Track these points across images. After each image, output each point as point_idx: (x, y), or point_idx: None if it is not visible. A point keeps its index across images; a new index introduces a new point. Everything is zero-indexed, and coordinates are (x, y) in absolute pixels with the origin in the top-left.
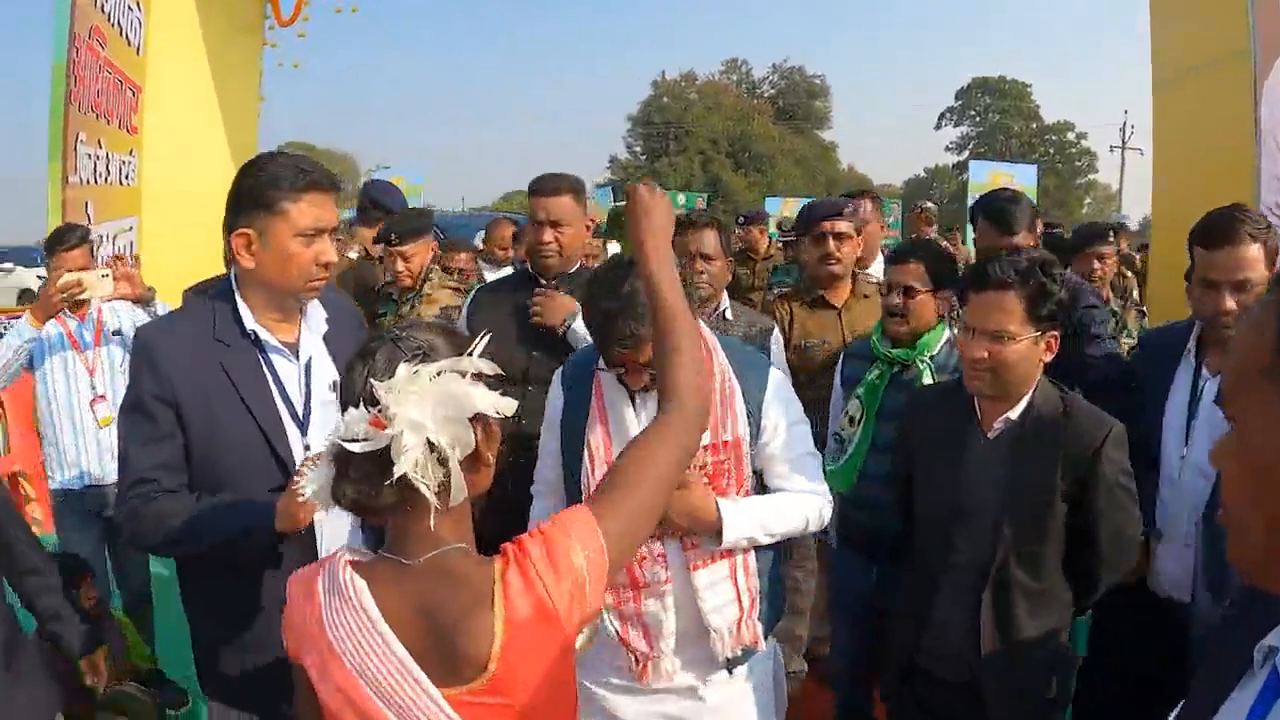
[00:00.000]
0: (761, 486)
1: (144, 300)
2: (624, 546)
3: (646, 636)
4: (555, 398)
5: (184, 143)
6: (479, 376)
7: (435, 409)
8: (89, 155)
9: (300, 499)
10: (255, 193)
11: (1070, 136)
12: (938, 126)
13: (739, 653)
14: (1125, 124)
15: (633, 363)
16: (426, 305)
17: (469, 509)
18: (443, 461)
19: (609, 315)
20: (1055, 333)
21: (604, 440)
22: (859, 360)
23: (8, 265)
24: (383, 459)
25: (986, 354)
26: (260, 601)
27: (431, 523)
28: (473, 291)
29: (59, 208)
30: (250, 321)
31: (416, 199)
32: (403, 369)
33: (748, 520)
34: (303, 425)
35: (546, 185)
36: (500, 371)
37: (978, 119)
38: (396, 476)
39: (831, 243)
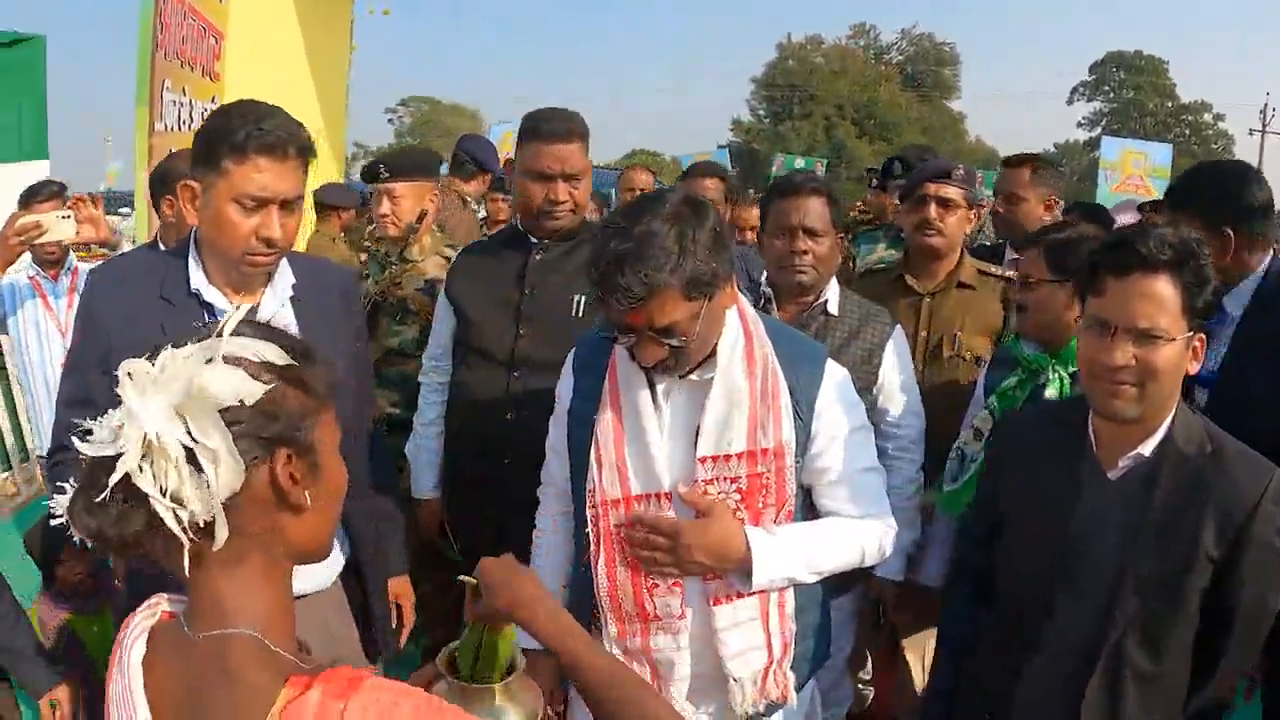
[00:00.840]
0: (809, 506)
1: (110, 245)
2: None
3: (654, 679)
4: (564, 386)
5: (267, 92)
6: (238, 361)
7: (166, 398)
8: (174, 102)
9: (54, 521)
10: (204, 141)
11: (1207, 118)
12: (1069, 101)
13: (761, 708)
14: (1266, 107)
15: (640, 325)
16: (409, 275)
17: (283, 577)
18: (194, 468)
19: (610, 262)
20: (1202, 335)
21: (614, 428)
22: (1005, 366)
23: (125, 210)
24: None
25: (1134, 359)
26: None
27: (186, 567)
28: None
29: (145, 155)
30: (196, 281)
31: None
32: (161, 357)
33: (787, 556)
34: None
35: (556, 128)
36: (263, 356)
37: (1111, 95)
38: (115, 481)
39: (933, 209)
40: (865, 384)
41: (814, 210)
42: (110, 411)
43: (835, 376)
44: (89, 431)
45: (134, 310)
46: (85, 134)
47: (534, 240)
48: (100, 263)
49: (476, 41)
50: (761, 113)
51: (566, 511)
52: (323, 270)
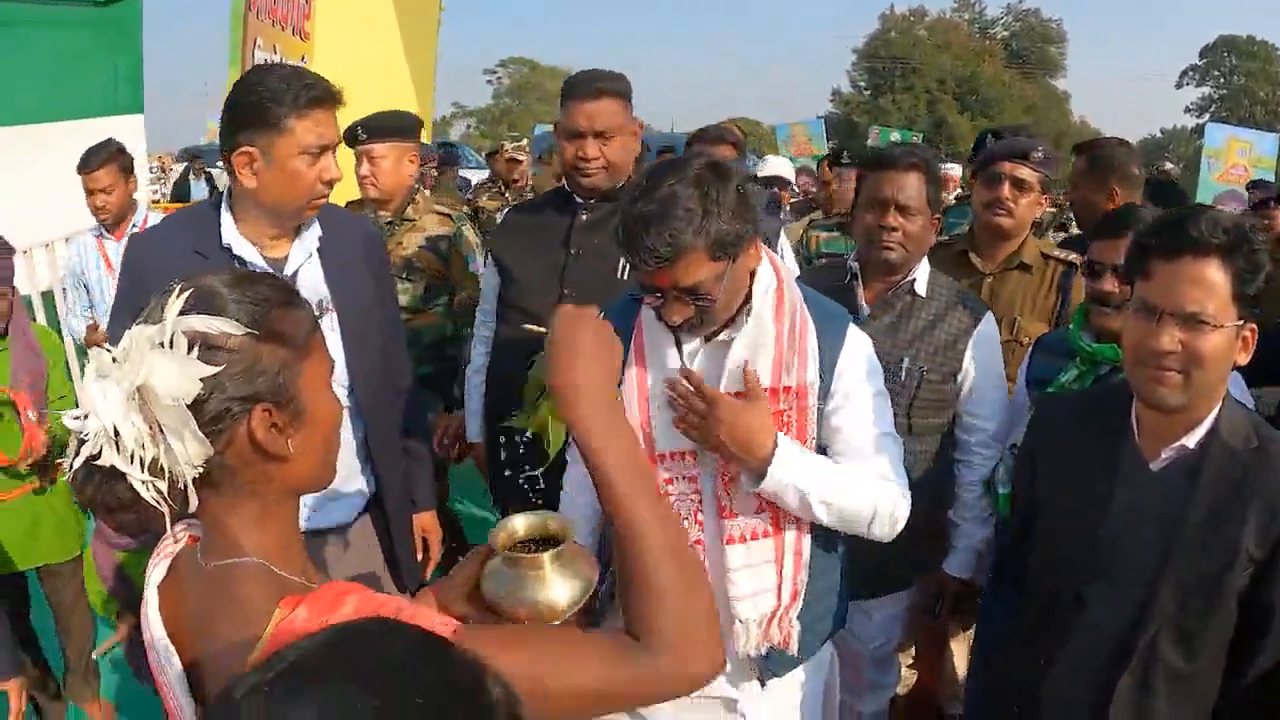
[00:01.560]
0: None
1: None
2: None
3: None
4: None
5: (356, 51)
6: (196, 337)
7: (121, 389)
8: (265, 61)
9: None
10: (257, 109)
11: None
12: (1178, 85)
13: (764, 651)
14: None
15: (666, 286)
16: (411, 233)
17: (284, 513)
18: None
19: (635, 223)
20: (1253, 325)
21: (639, 388)
22: (1052, 356)
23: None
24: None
25: (1180, 345)
26: None
27: (165, 515)
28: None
29: None
30: (228, 235)
31: None
32: (125, 338)
33: (805, 469)
34: None
35: (586, 87)
36: (219, 329)
37: (1221, 80)
38: (84, 460)
39: (1006, 188)
40: (948, 371)
41: (910, 186)
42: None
43: (857, 340)
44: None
45: (169, 264)
46: (189, 88)
47: (579, 201)
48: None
49: (577, 5)
50: (862, 84)
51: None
52: (345, 221)
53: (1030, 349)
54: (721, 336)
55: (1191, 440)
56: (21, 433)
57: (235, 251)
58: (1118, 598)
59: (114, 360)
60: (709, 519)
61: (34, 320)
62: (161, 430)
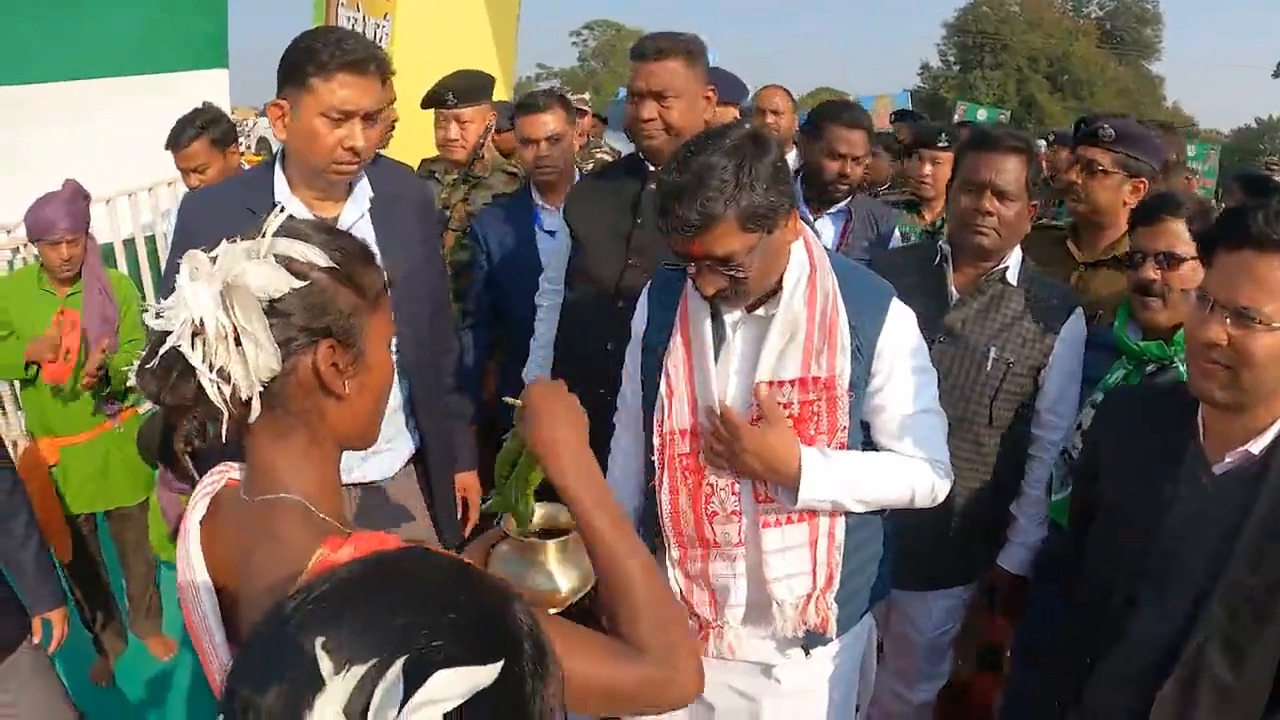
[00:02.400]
0: (869, 444)
1: None
2: None
3: (712, 603)
4: (639, 317)
5: (437, 10)
6: (287, 260)
7: (213, 286)
8: (349, 18)
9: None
10: (292, 64)
11: None
12: (1276, 74)
13: (801, 634)
14: None
15: (699, 256)
16: (478, 191)
17: (327, 456)
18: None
19: (669, 192)
20: None
21: (683, 360)
22: (1100, 352)
23: None
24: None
25: (1226, 339)
26: None
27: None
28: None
29: None
30: (280, 193)
31: None
32: (219, 248)
33: (835, 479)
34: None
35: (647, 48)
36: (308, 258)
37: None
38: (164, 352)
39: (1075, 172)
40: (1033, 364)
41: (1009, 170)
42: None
43: (900, 317)
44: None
45: (219, 220)
46: (278, 45)
47: (650, 168)
48: None
49: None
50: (951, 58)
51: (639, 436)
52: (399, 180)
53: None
54: (759, 311)
55: (1256, 446)
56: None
57: (286, 209)
58: (1169, 603)
59: (211, 260)
60: (745, 494)
61: (114, 267)
62: (239, 337)
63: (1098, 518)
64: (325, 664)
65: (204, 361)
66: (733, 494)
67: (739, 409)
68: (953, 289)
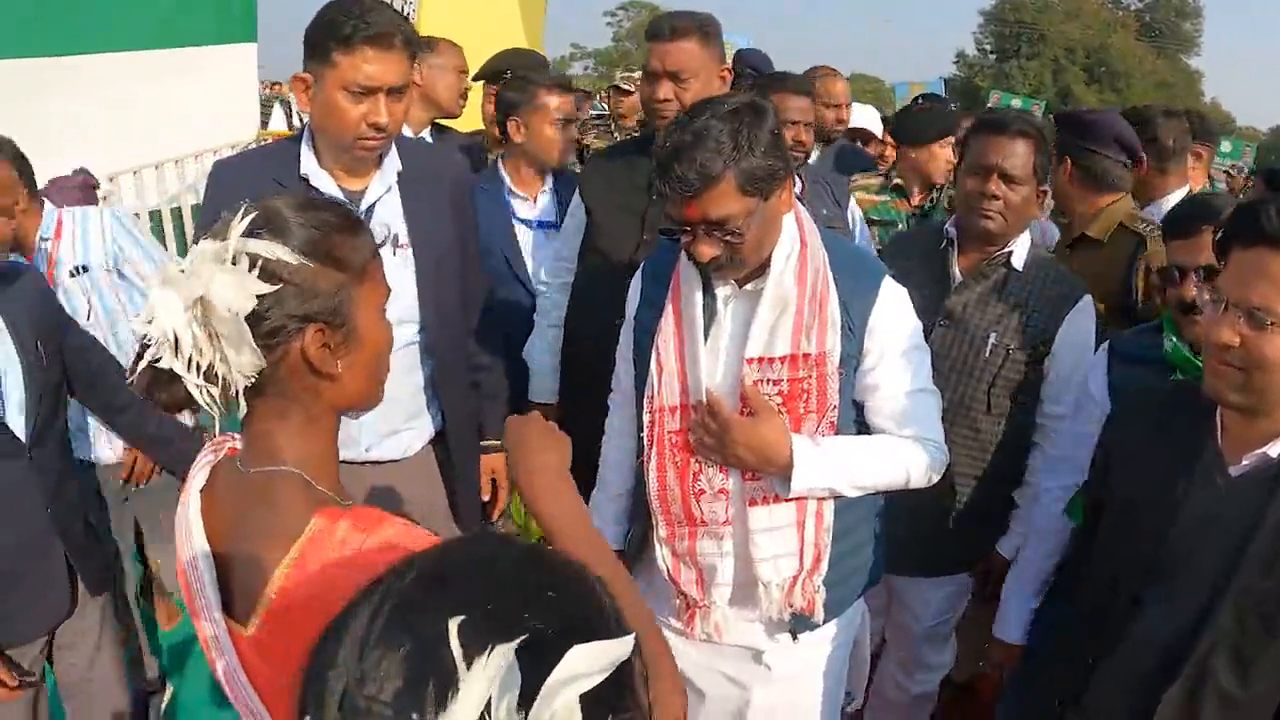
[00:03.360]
0: (863, 424)
1: None
2: None
3: (699, 582)
4: (632, 293)
5: None
6: (255, 259)
7: (182, 298)
8: None
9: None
10: (316, 38)
11: None
12: None
13: (787, 616)
14: None
15: (695, 219)
16: None
17: (324, 430)
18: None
19: (667, 153)
20: None
21: (673, 335)
22: (1136, 366)
23: None
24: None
25: (1239, 340)
26: None
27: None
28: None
29: None
30: (306, 166)
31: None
32: (192, 252)
33: (828, 465)
34: None
35: (662, 28)
36: (276, 255)
37: None
38: (145, 362)
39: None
40: (1036, 354)
41: (1017, 154)
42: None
43: (892, 294)
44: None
45: (246, 191)
46: (304, 16)
47: None
48: None
49: None
50: (987, 47)
51: (632, 415)
52: (430, 155)
53: (1106, 356)
54: (749, 286)
55: (1275, 450)
56: None
57: (312, 182)
58: (1176, 606)
59: (181, 271)
60: (734, 476)
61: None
62: (219, 339)
63: (1107, 515)
64: (457, 651)
65: (188, 368)
66: (720, 472)
67: (729, 384)
68: (956, 272)
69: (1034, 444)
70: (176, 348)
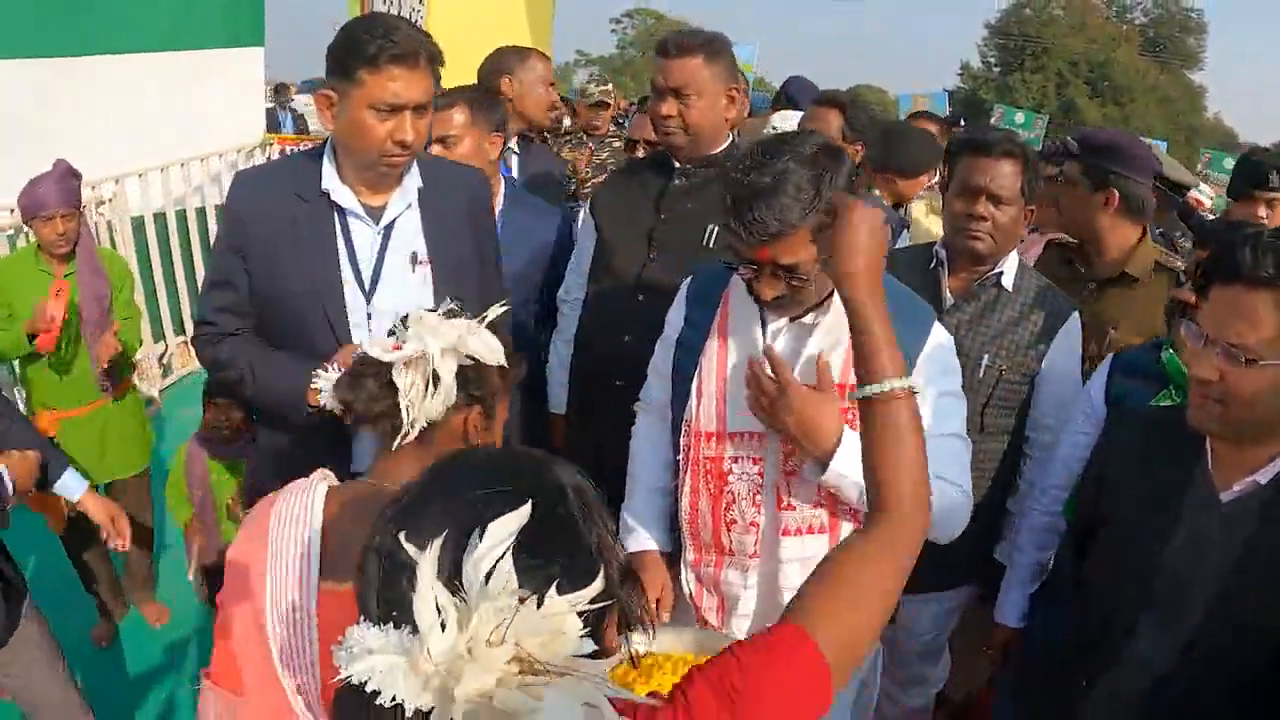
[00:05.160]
0: None
1: None
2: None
3: (720, 610)
4: (675, 313)
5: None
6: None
7: (442, 341)
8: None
9: (312, 388)
10: (338, 55)
11: None
12: None
13: None
14: None
15: (765, 261)
16: None
17: None
18: (435, 385)
19: (745, 194)
20: None
21: (719, 361)
22: (1134, 378)
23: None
24: (383, 375)
25: (1218, 375)
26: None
27: (395, 446)
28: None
29: None
30: (328, 181)
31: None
32: (433, 316)
33: None
34: (368, 290)
35: (668, 44)
36: (492, 348)
37: None
38: (384, 383)
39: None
40: (1026, 371)
41: (1004, 174)
42: (388, 330)
43: (939, 339)
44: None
45: (269, 206)
46: (312, 21)
47: (676, 165)
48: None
49: None
50: (991, 60)
51: (665, 429)
52: (451, 172)
53: (1108, 365)
54: (805, 319)
55: (1264, 476)
56: (89, 350)
57: (334, 197)
58: (1169, 630)
59: (433, 323)
60: (767, 506)
61: (145, 239)
62: (434, 382)
63: (1101, 537)
64: (410, 548)
65: (410, 389)
66: (753, 505)
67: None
68: (947, 293)
69: (1024, 455)
70: (407, 369)
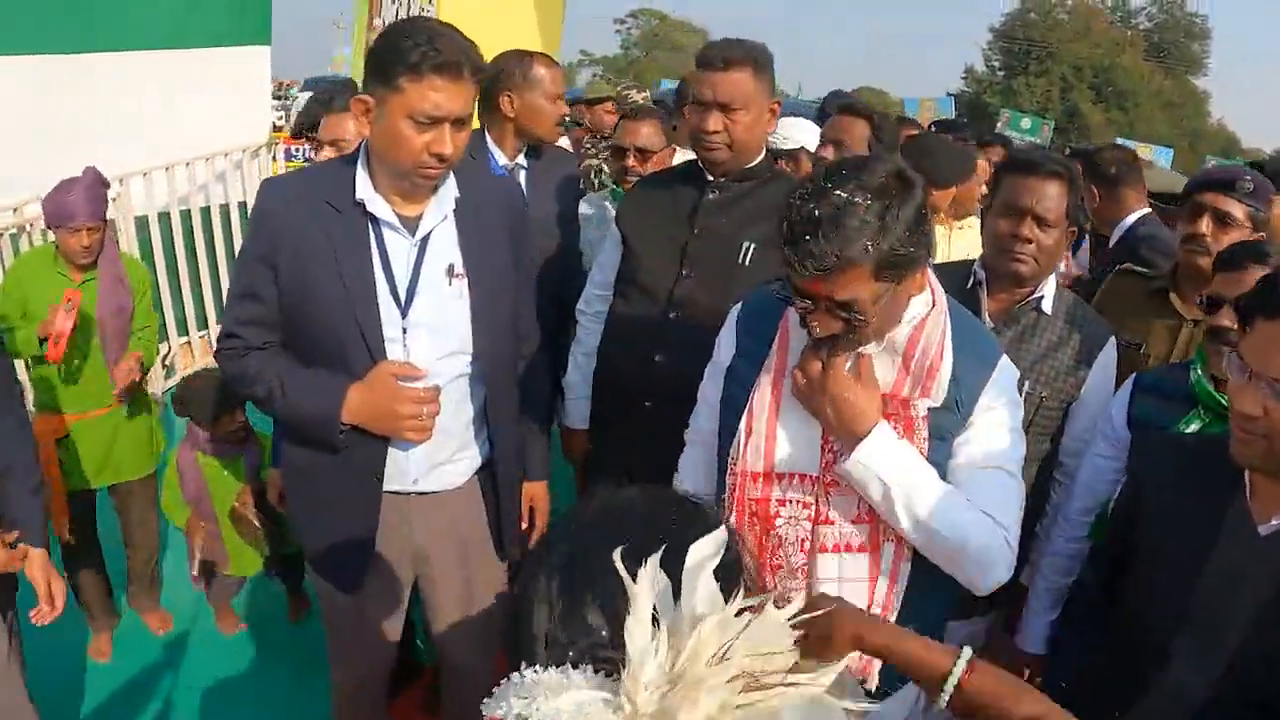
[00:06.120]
0: None
1: None
2: None
3: None
4: (726, 340)
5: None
6: None
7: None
8: (392, 0)
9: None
10: (379, 61)
11: None
12: None
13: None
14: None
15: (820, 295)
16: None
17: None
18: None
19: (803, 223)
20: None
21: (771, 398)
22: (1158, 399)
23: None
24: None
25: (1262, 410)
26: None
27: None
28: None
29: (362, 50)
30: (362, 190)
31: None
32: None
33: (896, 459)
34: (404, 304)
35: (715, 56)
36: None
37: None
38: None
39: (1205, 222)
40: (1065, 398)
41: (1051, 195)
42: None
43: (1006, 375)
44: None
45: (300, 215)
46: (318, 19)
47: (710, 178)
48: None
49: None
50: (996, 64)
51: (712, 455)
52: (486, 182)
53: (1130, 386)
54: (862, 349)
55: None
56: (107, 364)
57: (369, 208)
58: (1204, 660)
59: None
60: (813, 549)
61: (149, 239)
62: None
63: (1135, 562)
64: (622, 568)
65: None
66: (801, 550)
67: (829, 459)
68: (986, 316)
69: (1054, 479)
70: None
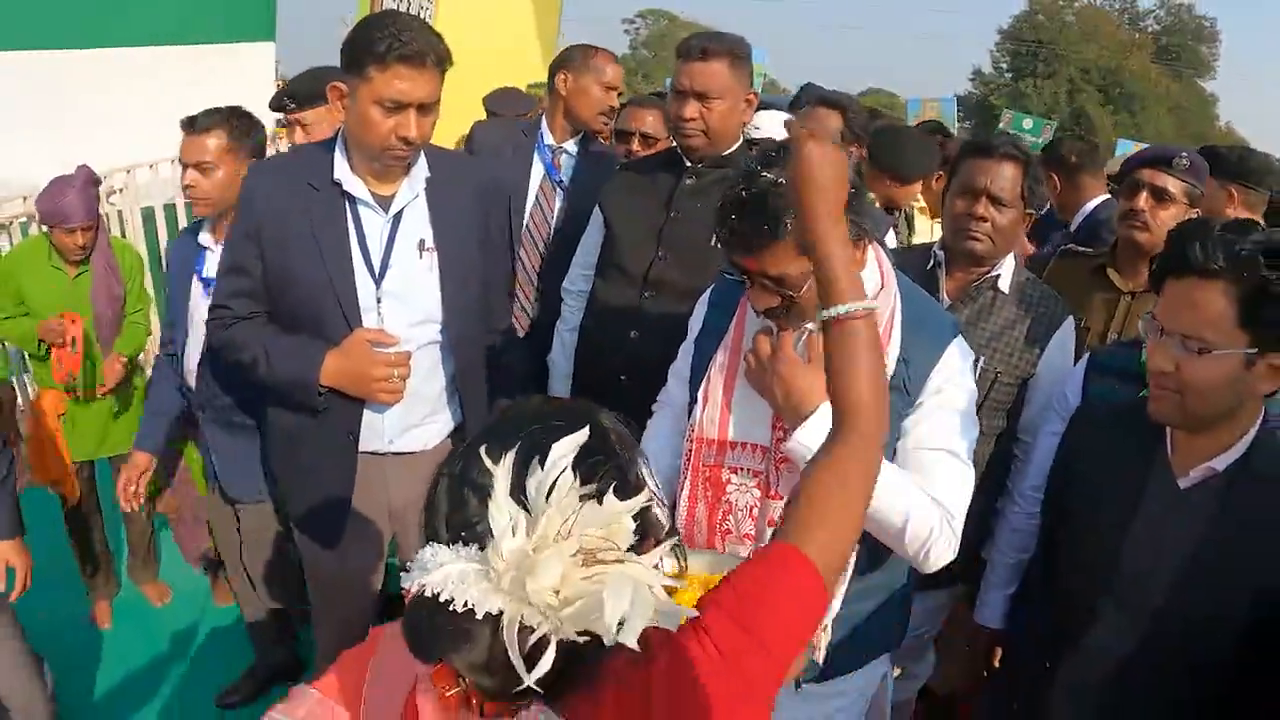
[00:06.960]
0: None
1: None
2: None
3: None
4: (697, 316)
5: None
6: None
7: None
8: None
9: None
10: (352, 52)
11: None
12: None
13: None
14: None
15: (753, 271)
16: None
17: None
18: None
19: (728, 207)
20: None
21: (727, 369)
22: (1110, 377)
23: None
24: None
25: (1173, 366)
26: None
27: None
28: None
29: None
30: (339, 171)
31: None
32: None
33: None
34: (378, 276)
35: (694, 47)
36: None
37: None
38: None
39: (1144, 198)
40: (1020, 374)
41: (1005, 176)
42: None
43: (958, 356)
44: None
45: (282, 194)
46: (324, 17)
47: (688, 164)
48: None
49: None
50: (1003, 66)
51: (679, 428)
52: (459, 165)
53: (1085, 366)
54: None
55: (1220, 464)
56: (101, 349)
57: (345, 187)
58: (1129, 617)
59: None
60: (761, 520)
61: (150, 233)
62: None
63: (1066, 525)
64: (486, 461)
65: None
66: (750, 518)
67: (768, 419)
68: (944, 295)
69: (1013, 455)
70: None
